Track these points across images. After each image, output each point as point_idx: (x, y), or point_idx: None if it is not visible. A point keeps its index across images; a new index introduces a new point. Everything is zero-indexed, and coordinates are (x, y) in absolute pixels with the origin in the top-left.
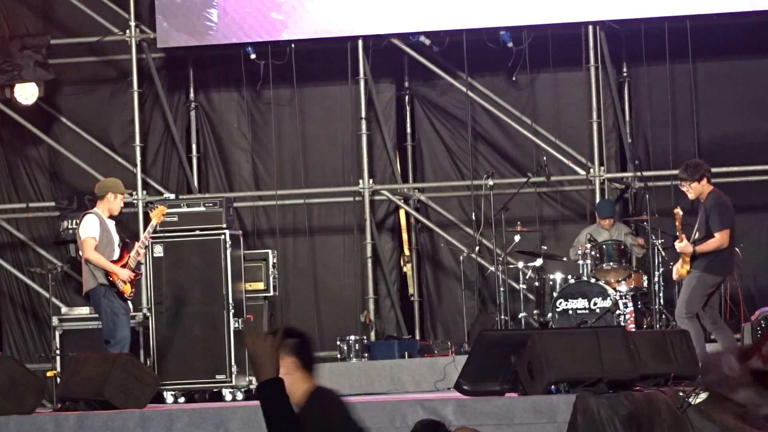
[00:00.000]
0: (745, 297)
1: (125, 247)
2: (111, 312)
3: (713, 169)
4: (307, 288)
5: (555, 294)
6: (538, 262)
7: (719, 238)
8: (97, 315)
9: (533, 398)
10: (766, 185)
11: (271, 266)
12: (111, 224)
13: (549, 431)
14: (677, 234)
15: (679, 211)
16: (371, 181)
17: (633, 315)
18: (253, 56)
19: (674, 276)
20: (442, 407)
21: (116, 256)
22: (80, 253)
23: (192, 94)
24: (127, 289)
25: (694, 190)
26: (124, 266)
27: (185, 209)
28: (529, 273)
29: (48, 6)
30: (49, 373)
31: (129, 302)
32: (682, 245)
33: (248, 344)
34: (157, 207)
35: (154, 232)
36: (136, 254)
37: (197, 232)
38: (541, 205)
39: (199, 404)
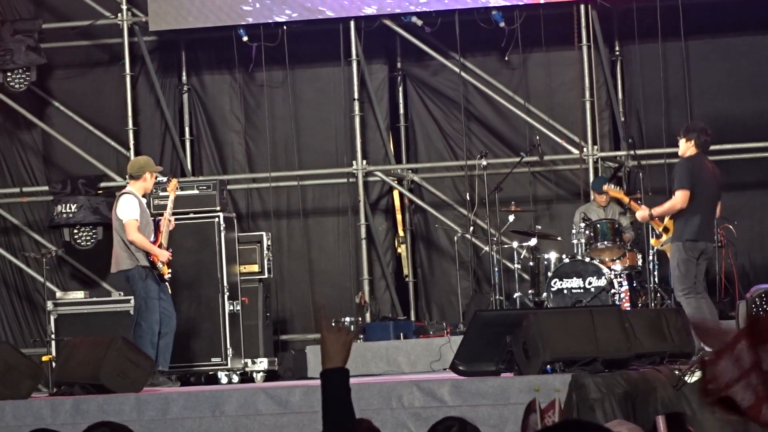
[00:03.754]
0: (739, 274)
1: (157, 227)
2: (145, 295)
3: None
4: (301, 270)
5: (550, 273)
6: (533, 241)
7: (675, 197)
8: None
9: (529, 378)
10: (759, 162)
11: (265, 248)
12: (144, 204)
13: None
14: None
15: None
16: (365, 162)
17: (628, 294)
18: (245, 38)
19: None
20: (437, 388)
21: (152, 237)
22: (117, 234)
23: (184, 77)
24: (165, 271)
25: (680, 146)
26: (159, 247)
27: (179, 192)
28: (524, 253)
29: None
30: (44, 358)
31: (167, 283)
32: (639, 213)
33: (323, 330)
34: (170, 181)
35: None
36: (167, 232)
37: (191, 215)
38: (534, 184)
39: (195, 387)
